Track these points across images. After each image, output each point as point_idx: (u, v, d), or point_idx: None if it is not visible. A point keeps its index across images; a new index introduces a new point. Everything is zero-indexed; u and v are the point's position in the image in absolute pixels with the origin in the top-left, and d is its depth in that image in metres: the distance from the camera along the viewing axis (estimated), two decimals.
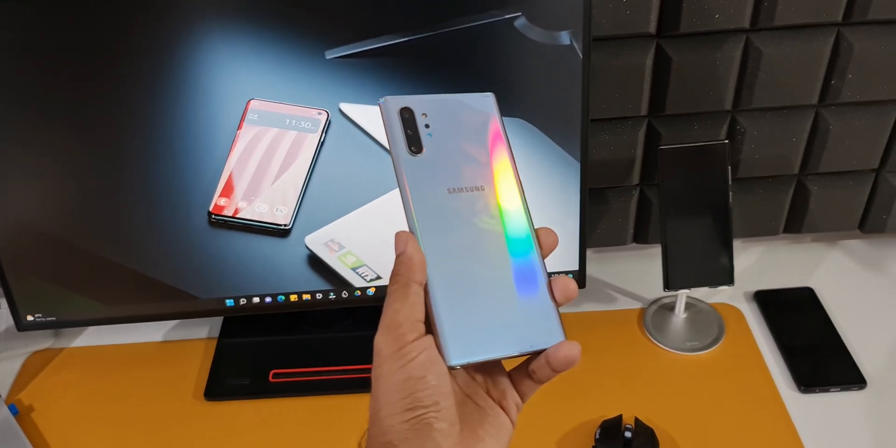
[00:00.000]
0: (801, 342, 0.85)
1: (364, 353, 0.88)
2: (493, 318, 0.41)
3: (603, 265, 0.96)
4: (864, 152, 0.90)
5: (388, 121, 0.43)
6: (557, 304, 0.43)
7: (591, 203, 0.91)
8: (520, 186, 0.45)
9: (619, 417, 0.75)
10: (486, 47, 0.71)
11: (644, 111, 0.86)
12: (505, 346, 0.41)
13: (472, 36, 0.71)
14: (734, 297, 0.92)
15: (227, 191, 0.73)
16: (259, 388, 0.81)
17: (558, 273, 0.81)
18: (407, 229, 0.42)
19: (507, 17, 0.70)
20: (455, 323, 0.40)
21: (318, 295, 0.77)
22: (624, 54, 0.82)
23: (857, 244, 0.99)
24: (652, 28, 0.81)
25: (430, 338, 0.40)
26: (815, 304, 0.90)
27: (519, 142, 0.74)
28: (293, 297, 0.78)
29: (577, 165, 0.75)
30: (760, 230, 0.97)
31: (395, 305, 0.40)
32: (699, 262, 0.83)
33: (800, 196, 0.94)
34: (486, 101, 0.46)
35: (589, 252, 0.98)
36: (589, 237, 0.94)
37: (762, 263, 0.97)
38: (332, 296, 0.77)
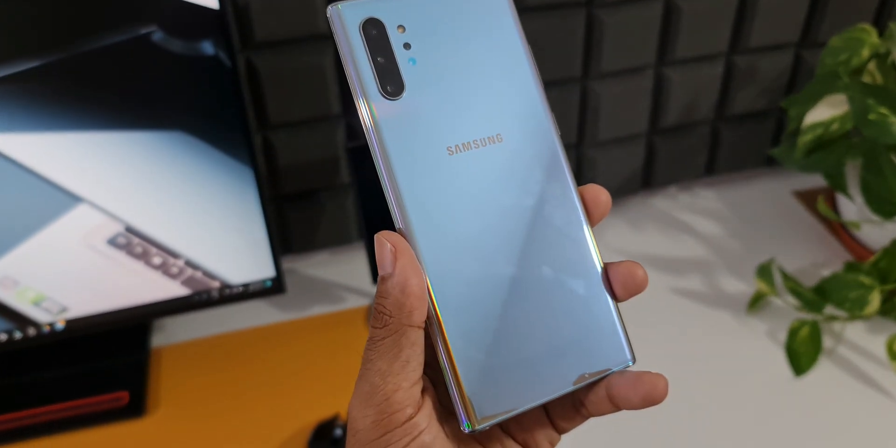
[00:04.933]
0: None
1: (88, 385, 0.86)
2: (531, 347, 0.27)
3: (333, 266, 0.97)
4: None
5: (344, 43, 0.27)
6: (618, 301, 0.30)
7: (306, 205, 0.92)
8: (554, 123, 0.30)
9: (336, 417, 0.76)
10: (128, 65, 0.70)
11: (338, 110, 0.87)
12: (548, 385, 0.27)
13: (112, 54, 0.69)
14: None
15: None
16: None
17: (253, 282, 0.80)
18: (396, 225, 0.28)
19: (142, 32, 0.69)
20: (478, 369, 0.26)
21: (0, 336, 0.74)
22: (302, 56, 0.83)
23: None
24: (324, 28, 0.82)
25: (427, 408, 0.27)
26: None
27: (181, 156, 0.73)
28: None
29: (251, 171, 0.75)
30: None
31: (379, 364, 0.26)
32: None
33: None
34: None
35: (321, 254, 0.98)
36: (315, 238, 0.94)
37: None
38: (17, 335, 0.74)
